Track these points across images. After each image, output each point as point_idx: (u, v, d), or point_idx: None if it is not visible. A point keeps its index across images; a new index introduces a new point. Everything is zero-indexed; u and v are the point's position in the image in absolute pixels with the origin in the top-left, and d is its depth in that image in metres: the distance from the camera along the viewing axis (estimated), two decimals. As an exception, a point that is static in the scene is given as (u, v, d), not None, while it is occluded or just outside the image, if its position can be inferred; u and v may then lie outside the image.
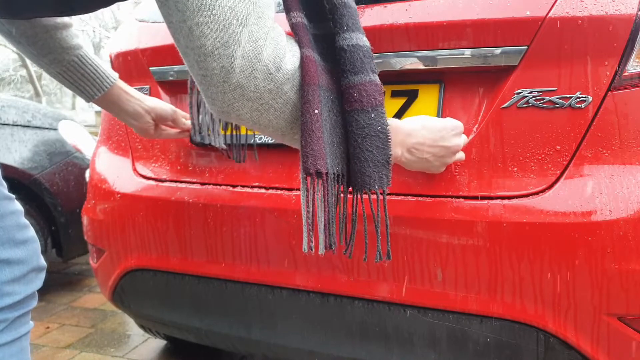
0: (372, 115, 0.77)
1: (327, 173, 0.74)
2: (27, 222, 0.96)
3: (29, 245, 0.95)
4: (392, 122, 0.85)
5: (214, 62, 0.62)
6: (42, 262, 0.99)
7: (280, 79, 0.66)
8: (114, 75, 1.11)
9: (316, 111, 0.71)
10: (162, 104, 1.17)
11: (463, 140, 0.94)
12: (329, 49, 0.79)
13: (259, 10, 0.63)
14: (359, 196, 0.81)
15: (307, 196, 0.73)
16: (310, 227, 0.74)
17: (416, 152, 0.88)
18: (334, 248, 0.79)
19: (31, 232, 0.97)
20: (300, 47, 0.72)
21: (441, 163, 0.92)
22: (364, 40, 0.79)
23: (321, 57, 0.78)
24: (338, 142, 0.77)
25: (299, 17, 0.74)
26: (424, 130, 0.88)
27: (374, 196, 0.80)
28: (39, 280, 0.99)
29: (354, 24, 0.78)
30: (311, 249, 0.74)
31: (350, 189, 0.82)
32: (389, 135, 0.79)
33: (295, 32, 0.74)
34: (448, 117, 0.94)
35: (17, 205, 0.95)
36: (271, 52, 0.65)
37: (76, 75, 1.05)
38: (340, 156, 0.78)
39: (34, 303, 0.99)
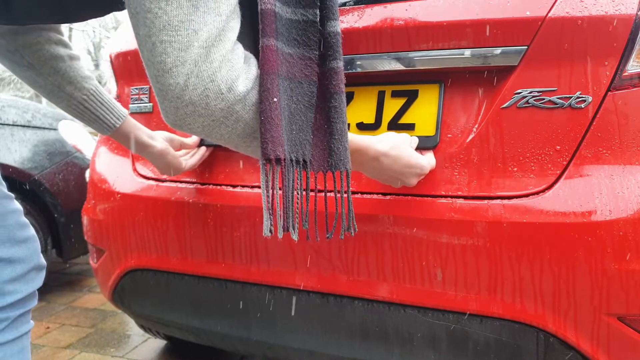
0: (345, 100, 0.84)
1: (284, 159, 0.77)
2: (27, 221, 0.97)
3: (29, 244, 0.96)
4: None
5: (171, 79, 0.65)
6: (42, 260, 1.00)
7: (231, 100, 0.69)
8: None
9: (275, 99, 0.74)
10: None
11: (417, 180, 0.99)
12: (305, 35, 0.82)
13: (222, 34, 0.67)
14: (331, 177, 0.86)
15: (266, 182, 0.77)
16: (270, 212, 0.78)
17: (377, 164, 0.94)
18: (292, 231, 0.82)
19: (31, 230, 0.97)
20: (262, 36, 0.75)
21: (388, 179, 0.97)
22: None
23: (291, 43, 0.80)
24: (298, 129, 0.81)
25: (269, 3, 0.76)
26: (396, 160, 0.93)
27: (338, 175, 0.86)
28: (39, 279, 0.99)
29: (338, 13, 0.83)
30: (270, 232, 0.78)
31: (317, 173, 0.85)
32: None
33: (261, 19, 0.76)
34: (429, 157, 0.99)
35: (17, 204, 0.95)
36: (225, 74, 0.67)
37: (96, 104, 1.07)
38: (301, 143, 0.81)
39: (35, 302, 0.99)
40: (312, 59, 0.82)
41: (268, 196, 0.77)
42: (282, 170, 0.78)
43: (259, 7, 0.76)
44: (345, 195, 0.86)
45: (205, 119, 0.69)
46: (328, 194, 0.88)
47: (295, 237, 0.81)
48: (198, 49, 0.64)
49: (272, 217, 0.78)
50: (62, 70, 1.01)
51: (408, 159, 0.93)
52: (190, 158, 1.22)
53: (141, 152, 1.16)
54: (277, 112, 0.74)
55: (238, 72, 0.69)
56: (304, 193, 0.83)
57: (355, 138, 0.89)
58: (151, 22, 0.64)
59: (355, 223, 0.89)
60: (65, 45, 1.02)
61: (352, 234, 0.89)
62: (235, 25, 0.70)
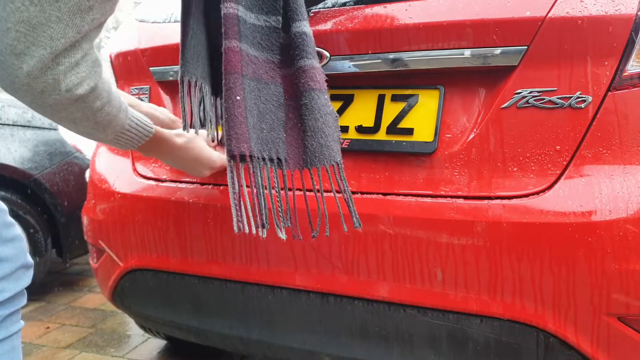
0: (326, 97, 0.85)
1: (251, 156, 0.78)
2: (12, 220, 0.98)
3: (16, 243, 0.96)
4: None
5: (16, 61, 0.66)
6: (30, 259, 1.00)
7: (66, 97, 0.71)
8: None
9: (238, 97, 0.76)
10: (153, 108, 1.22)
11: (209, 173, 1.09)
12: (268, 40, 0.84)
13: (77, 44, 0.68)
14: (316, 174, 0.87)
15: (232, 178, 0.77)
16: (238, 208, 0.78)
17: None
18: (266, 228, 0.83)
19: (17, 230, 0.98)
20: (225, 38, 0.77)
21: (184, 168, 1.05)
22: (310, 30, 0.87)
23: (255, 47, 0.82)
24: (269, 128, 0.82)
25: (232, 7, 0.78)
26: (187, 152, 1.00)
27: (330, 169, 0.87)
28: (27, 278, 1.00)
29: (305, 14, 0.86)
30: (240, 229, 0.78)
31: (293, 171, 0.86)
32: (337, 116, 0.88)
33: (224, 22, 0.78)
34: (220, 156, 1.06)
35: (1, 204, 0.96)
36: (68, 78, 0.69)
37: None
38: (273, 141, 0.82)
39: (24, 301, 1.00)
40: (275, 63, 0.84)
41: (235, 193, 0.78)
42: (249, 167, 0.78)
43: (222, 11, 0.78)
44: (342, 191, 0.87)
45: (35, 99, 0.71)
46: (312, 191, 0.89)
47: (282, 235, 0.82)
48: (50, 53, 0.66)
49: (238, 213, 0.78)
50: None
51: (198, 152, 0.99)
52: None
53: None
54: (241, 109, 0.76)
55: (82, 78, 0.71)
56: (282, 191, 0.84)
57: (160, 130, 0.93)
58: (11, 10, 0.64)
59: (358, 218, 0.90)
60: None
61: (346, 229, 0.91)
62: (93, 36, 0.71)
